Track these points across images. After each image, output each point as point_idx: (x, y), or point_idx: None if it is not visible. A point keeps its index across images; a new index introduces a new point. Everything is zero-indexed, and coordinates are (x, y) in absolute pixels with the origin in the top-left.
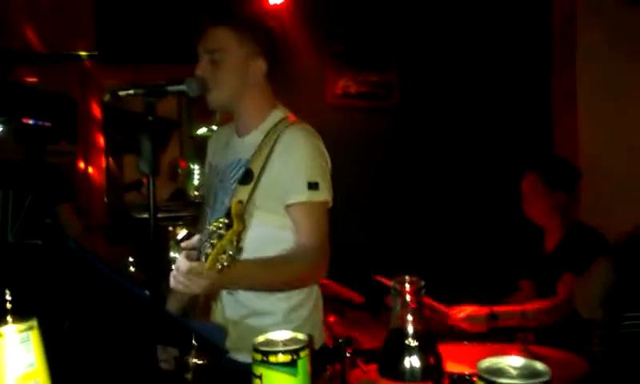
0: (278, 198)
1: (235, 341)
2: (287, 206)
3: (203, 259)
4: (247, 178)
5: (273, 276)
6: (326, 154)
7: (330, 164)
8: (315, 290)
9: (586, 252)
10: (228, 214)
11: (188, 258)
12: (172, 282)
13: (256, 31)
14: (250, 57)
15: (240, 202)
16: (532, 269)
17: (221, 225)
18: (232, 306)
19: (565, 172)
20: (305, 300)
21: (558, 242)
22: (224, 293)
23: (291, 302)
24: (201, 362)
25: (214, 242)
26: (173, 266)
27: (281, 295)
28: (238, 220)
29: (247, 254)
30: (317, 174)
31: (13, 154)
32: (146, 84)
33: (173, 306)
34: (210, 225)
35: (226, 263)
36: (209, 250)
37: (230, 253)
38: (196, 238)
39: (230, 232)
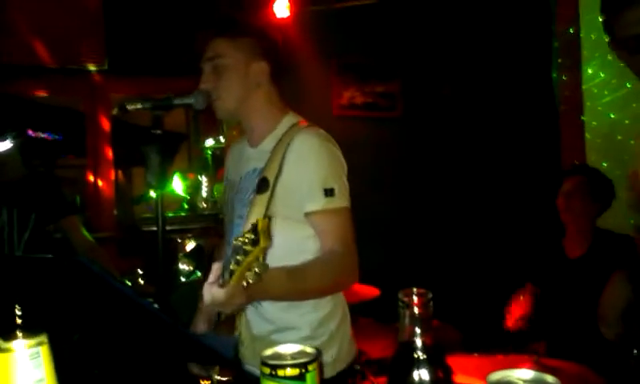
0: (296, 207)
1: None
2: (306, 215)
3: (228, 276)
4: (263, 186)
5: (303, 283)
6: (341, 159)
7: (345, 168)
8: (342, 303)
9: (616, 259)
10: (254, 230)
11: (217, 282)
12: (207, 305)
13: (251, 36)
14: (250, 59)
15: (267, 217)
16: (554, 273)
17: (246, 240)
18: (258, 322)
19: (607, 188)
20: (332, 313)
21: (586, 250)
22: (249, 309)
23: (318, 315)
24: (224, 378)
25: (240, 258)
26: (204, 292)
27: (307, 309)
28: (264, 236)
29: (272, 265)
30: (332, 180)
31: (12, 172)
32: (153, 97)
33: (201, 322)
34: (235, 240)
35: (251, 280)
36: (234, 267)
37: (257, 270)
38: (218, 266)
39: (257, 249)
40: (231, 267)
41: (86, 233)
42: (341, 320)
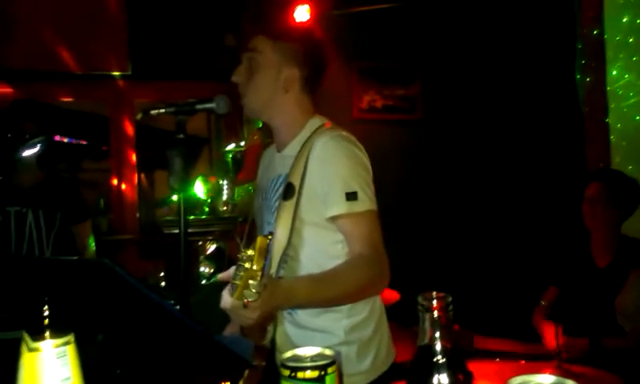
0: (321, 212)
1: None
2: (330, 219)
3: (233, 290)
4: (289, 192)
5: (330, 290)
6: (364, 160)
7: (370, 170)
8: (379, 309)
9: None
10: (253, 248)
11: (229, 290)
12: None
13: (292, 41)
14: (284, 64)
15: (269, 234)
16: (582, 281)
17: (245, 257)
18: (295, 330)
19: (629, 192)
20: (367, 319)
21: (612, 259)
22: (284, 316)
23: (352, 321)
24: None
25: (241, 274)
26: (222, 297)
27: (341, 314)
28: (260, 257)
29: (306, 272)
30: (355, 183)
31: (30, 177)
32: (176, 102)
33: (236, 326)
34: (239, 254)
35: (250, 299)
36: (237, 282)
37: (254, 290)
38: (232, 269)
39: (254, 269)
40: (234, 282)
41: (91, 241)
42: (377, 326)
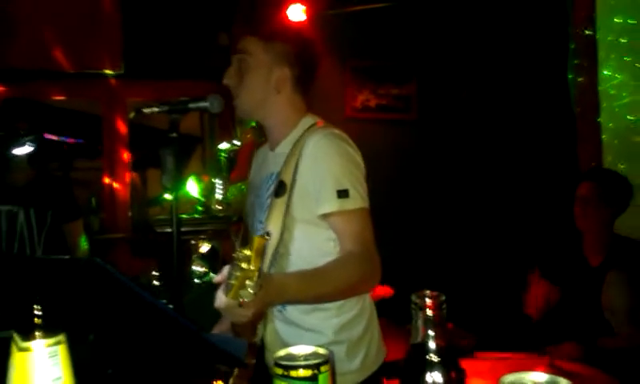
0: (312, 209)
1: None
2: (322, 216)
3: (228, 289)
4: (280, 189)
5: (320, 287)
6: (357, 158)
7: (362, 168)
8: (369, 308)
9: (635, 268)
10: (250, 247)
11: (223, 289)
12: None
13: (283, 41)
14: (275, 64)
15: (266, 234)
16: (576, 281)
17: (242, 256)
18: (284, 327)
19: (620, 190)
20: (357, 318)
21: (605, 257)
22: (274, 314)
23: (341, 320)
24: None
25: (237, 274)
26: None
27: (330, 312)
28: (257, 257)
29: (294, 268)
30: (346, 180)
31: (21, 176)
32: (169, 101)
33: (223, 323)
34: (234, 253)
35: (246, 299)
36: (233, 282)
37: (250, 290)
38: (226, 270)
39: (249, 270)
40: (230, 282)
41: (83, 240)
42: (367, 325)
